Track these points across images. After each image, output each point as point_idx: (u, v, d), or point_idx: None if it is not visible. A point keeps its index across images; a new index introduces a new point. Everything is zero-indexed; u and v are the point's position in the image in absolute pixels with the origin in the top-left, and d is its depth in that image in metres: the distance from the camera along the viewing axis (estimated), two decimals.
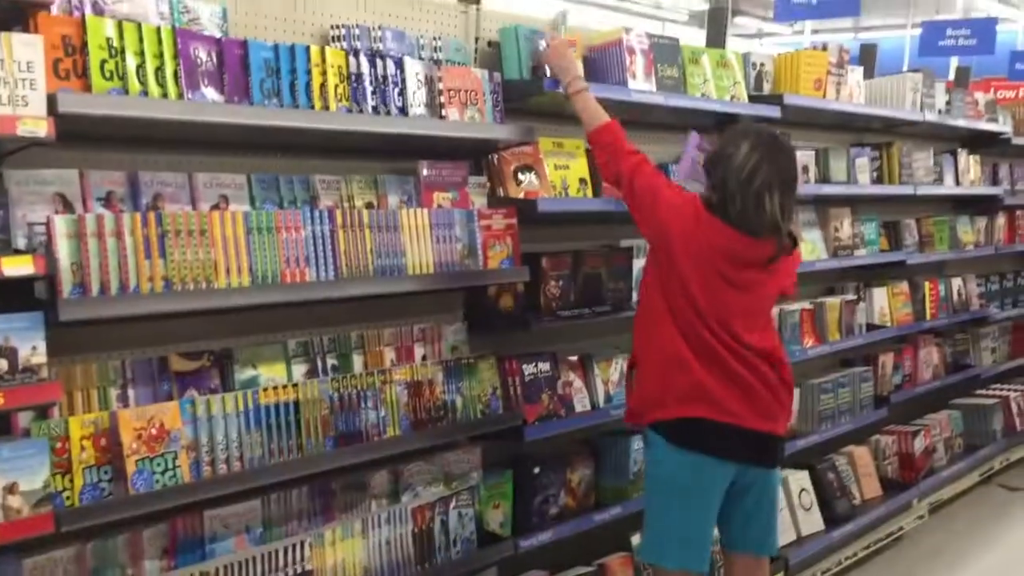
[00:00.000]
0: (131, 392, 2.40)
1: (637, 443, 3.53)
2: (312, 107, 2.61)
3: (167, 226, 2.29)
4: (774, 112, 4.16)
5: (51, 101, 2.08)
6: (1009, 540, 5.10)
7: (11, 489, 2.07)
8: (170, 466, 2.32)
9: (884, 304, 5.14)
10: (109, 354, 2.46)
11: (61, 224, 2.15)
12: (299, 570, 2.56)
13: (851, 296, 4.86)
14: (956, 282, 5.84)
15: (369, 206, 2.87)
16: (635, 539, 3.59)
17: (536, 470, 3.25)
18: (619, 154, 2.93)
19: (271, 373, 2.67)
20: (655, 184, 2.85)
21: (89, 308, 2.18)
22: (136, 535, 2.38)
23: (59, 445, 2.20)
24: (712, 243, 2.71)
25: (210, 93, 2.42)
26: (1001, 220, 6.41)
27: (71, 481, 2.21)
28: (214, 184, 2.56)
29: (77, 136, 2.39)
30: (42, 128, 2.05)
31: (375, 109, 2.77)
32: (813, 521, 4.33)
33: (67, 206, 2.30)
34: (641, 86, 3.52)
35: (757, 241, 2.71)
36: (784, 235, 2.74)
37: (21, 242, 2.19)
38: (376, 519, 2.76)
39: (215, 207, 2.54)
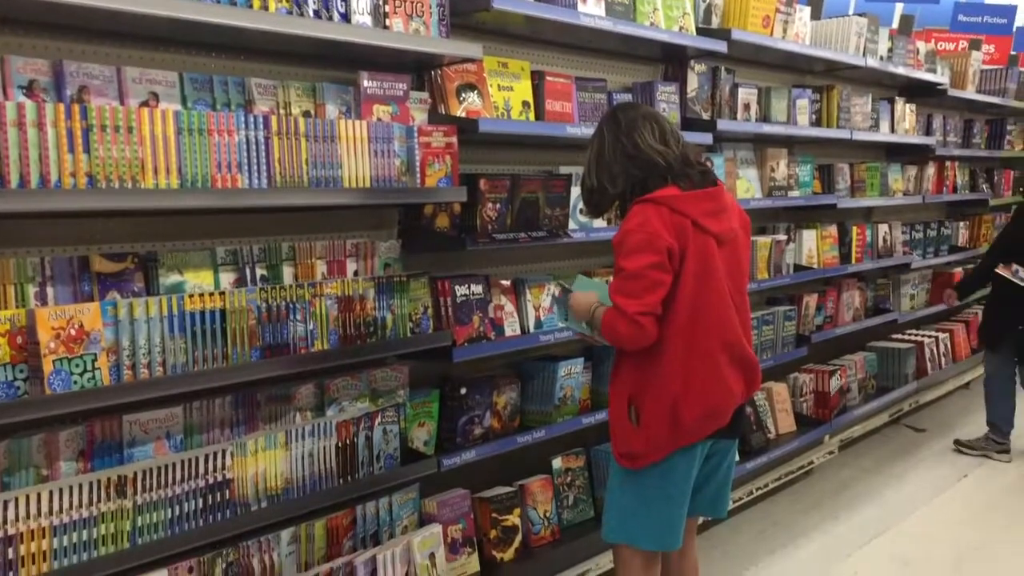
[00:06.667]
0: (50, 291, 2.33)
1: (563, 369, 3.57)
2: (250, 5, 2.51)
3: (92, 120, 2.20)
4: (721, 47, 4.15)
5: None
6: (912, 478, 5.33)
7: None
8: (89, 368, 2.27)
9: (812, 246, 5.24)
10: (28, 250, 2.38)
11: None
12: (219, 478, 2.55)
13: (782, 236, 4.94)
14: (883, 228, 5.98)
15: (306, 114, 2.80)
16: (556, 463, 3.66)
17: (463, 391, 3.27)
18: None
19: (197, 280, 2.61)
20: (628, 271, 2.56)
21: (6, 201, 2.09)
22: (52, 436, 2.34)
23: None
24: (695, 213, 2.58)
25: None
26: (931, 170, 6.56)
27: None
28: (144, 80, 2.46)
29: None
30: None
31: (316, 13, 2.68)
32: None
33: None
34: (591, 10, 3.47)
35: (704, 187, 2.66)
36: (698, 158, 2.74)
37: None
38: (300, 431, 2.75)
39: (144, 104, 2.45)
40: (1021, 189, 5.90)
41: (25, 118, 2.10)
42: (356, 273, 3.00)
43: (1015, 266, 5.44)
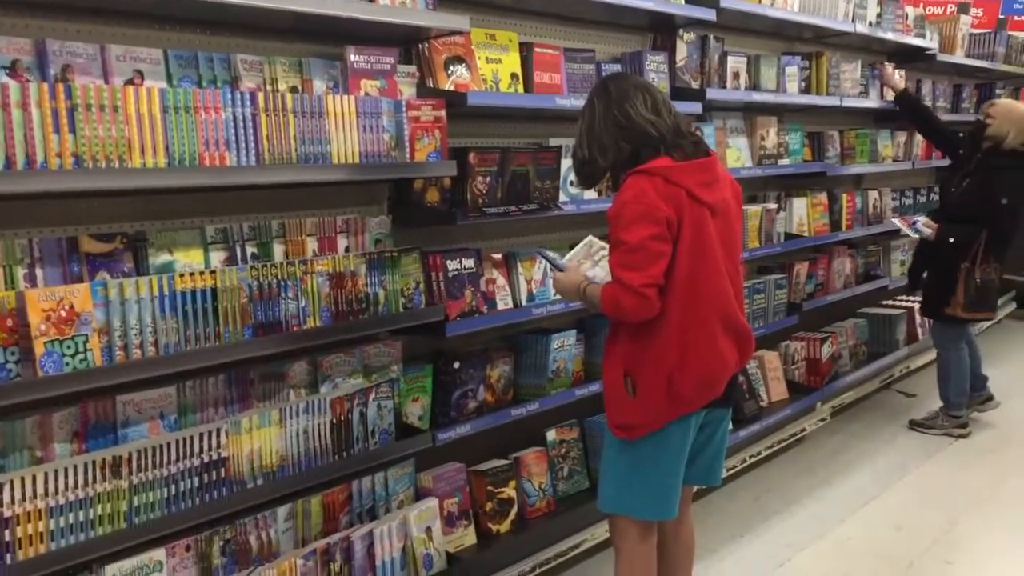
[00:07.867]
0: (39, 272, 2.32)
1: (556, 342, 3.58)
2: None
3: (77, 99, 2.17)
4: (709, 15, 4.12)
5: None
6: (903, 442, 5.37)
7: None
8: (81, 349, 2.26)
9: (803, 214, 5.24)
10: (16, 232, 2.36)
11: None
12: (214, 456, 2.55)
13: (772, 205, 4.93)
14: (872, 195, 5.97)
15: (293, 90, 2.78)
16: (551, 435, 3.68)
17: (456, 365, 3.27)
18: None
19: (188, 259, 2.60)
20: (629, 243, 2.52)
21: None
22: (45, 418, 2.33)
23: None
24: (689, 184, 2.55)
25: None
26: (920, 136, 6.53)
27: None
28: (128, 57, 2.43)
29: None
30: None
31: None
32: None
33: None
34: None
35: (697, 157, 2.64)
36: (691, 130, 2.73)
37: None
38: (294, 408, 2.75)
39: (129, 82, 2.42)
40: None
41: (9, 99, 2.08)
42: (347, 249, 2.99)
43: (913, 217, 5.37)
